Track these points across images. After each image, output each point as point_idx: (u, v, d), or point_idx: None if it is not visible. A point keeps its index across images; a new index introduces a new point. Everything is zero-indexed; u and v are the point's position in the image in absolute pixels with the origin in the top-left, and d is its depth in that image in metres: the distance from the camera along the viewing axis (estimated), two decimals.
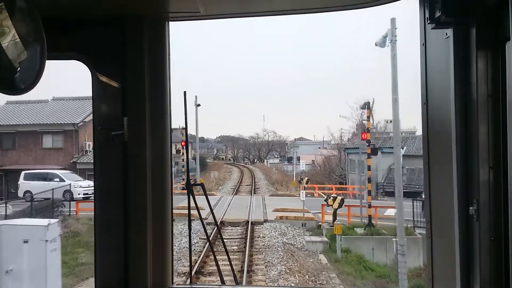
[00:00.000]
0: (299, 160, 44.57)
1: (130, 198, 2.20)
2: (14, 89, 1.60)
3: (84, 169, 39.49)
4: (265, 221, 22.16)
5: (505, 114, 1.67)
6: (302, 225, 20.67)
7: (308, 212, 21.85)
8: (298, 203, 28.14)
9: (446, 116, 1.91)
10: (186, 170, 2.57)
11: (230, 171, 59.36)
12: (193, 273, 9.91)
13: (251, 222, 21.21)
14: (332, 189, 35.78)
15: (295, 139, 77.35)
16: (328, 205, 20.18)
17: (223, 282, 2.54)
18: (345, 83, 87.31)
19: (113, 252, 2.24)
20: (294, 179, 37.74)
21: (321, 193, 33.56)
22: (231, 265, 2.47)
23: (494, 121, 1.78)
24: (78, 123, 39.03)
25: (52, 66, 1.90)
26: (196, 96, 38.77)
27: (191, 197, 2.26)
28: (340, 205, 19.75)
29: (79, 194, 30.94)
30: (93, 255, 2.20)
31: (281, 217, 22.59)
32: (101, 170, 2.27)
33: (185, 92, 2.37)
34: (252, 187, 39.72)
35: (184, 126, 2.41)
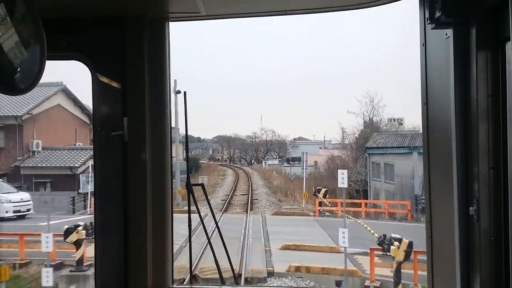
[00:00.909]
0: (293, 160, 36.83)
1: (130, 198, 2.38)
2: (14, 89, 1.70)
3: (30, 175, 30.75)
4: (270, 274, 14.30)
5: (505, 114, 1.81)
6: (337, 286, 13.00)
7: (335, 249, 14.64)
8: (317, 229, 20.72)
9: (446, 116, 2.05)
10: (187, 170, 2.74)
11: (223, 174, 54.21)
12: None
13: (246, 279, 13.38)
14: (361, 206, 27.42)
15: (294, 138, 75.25)
16: (386, 254, 10.62)
17: (223, 282, 2.70)
18: (346, 82, 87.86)
19: (113, 252, 2.42)
20: (305, 189, 30.16)
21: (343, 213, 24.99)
22: (231, 265, 2.65)
23: (494, 121, 1.91)
24: (23, 116, 31.99)
25: (52, 66, 2.11)
26: (175, 81, 30.70)
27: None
28: (407, 255, 10.47)
29: (7, 212, 23.68)
30: (94, 255, 2.43)
31: (297, 269, 14.74)
32: (101, 170, 2.45)
33: (185, 92, 2.54)
34: (248, 197, 32.09)
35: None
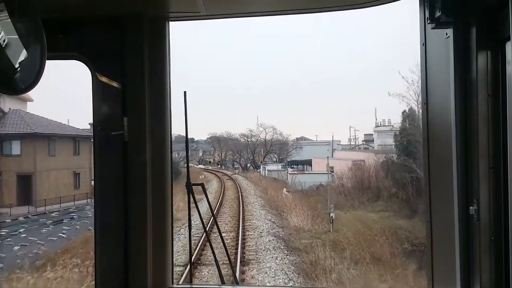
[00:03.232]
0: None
1: (130, 198, 2.42)
2: (14, 89, 1.73)
3: None
4: None
5: (505, 114, 1.83)
6: None
7: None
8: None
9: (446, 116, 2.08)
10: (187, 170, 2.73)
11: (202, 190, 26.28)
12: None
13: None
14: None
15: (296, 138, 66.20)
16: None
17: (223, 282, 2.72)
18: (346, 82, 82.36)
19: (113, 252, 2.47)
20: None
21: None
22: (230, 264, 2.91)
23: (494, 121, 1.94)
24: None
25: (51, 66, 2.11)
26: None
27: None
28: None
29: None
30: (93, 255, 2.47)
31: None
32: (101, 170, 2.48)
33: (185, 92, 2.56)
34: None
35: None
